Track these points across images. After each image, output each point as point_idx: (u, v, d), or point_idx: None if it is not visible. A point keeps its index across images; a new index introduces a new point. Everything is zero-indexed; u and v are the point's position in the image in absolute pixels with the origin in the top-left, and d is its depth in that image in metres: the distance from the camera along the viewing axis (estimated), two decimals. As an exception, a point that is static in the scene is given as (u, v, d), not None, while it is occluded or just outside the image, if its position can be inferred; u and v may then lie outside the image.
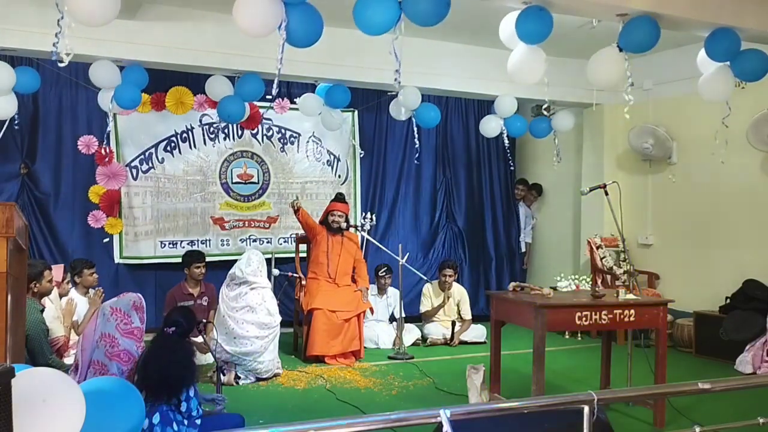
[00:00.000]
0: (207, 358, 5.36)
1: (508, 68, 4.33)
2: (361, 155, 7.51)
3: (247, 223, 7.06)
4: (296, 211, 6.13)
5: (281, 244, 7.17)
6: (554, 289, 4.62)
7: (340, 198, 6.47)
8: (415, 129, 6.82)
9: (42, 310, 4.46)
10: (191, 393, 3.24)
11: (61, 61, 3.76)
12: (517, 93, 6.91)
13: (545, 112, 5.26)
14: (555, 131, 7.18)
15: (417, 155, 7.22)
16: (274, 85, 3.71)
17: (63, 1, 3.65)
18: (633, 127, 7.06)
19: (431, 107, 6.77)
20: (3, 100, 5.26)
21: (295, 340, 6.39)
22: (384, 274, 6.83)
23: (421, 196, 8.00)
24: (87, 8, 3.65)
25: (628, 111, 4.42)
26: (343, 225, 6.26)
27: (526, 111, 7.78)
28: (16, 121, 5.67)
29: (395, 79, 3.74)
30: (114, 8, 3.71)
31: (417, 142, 6.79)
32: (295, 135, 7.22)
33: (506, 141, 7.19)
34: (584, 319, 4.04)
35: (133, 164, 6.53)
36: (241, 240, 7.01)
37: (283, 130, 7.18)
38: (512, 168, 8.17)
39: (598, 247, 7.19)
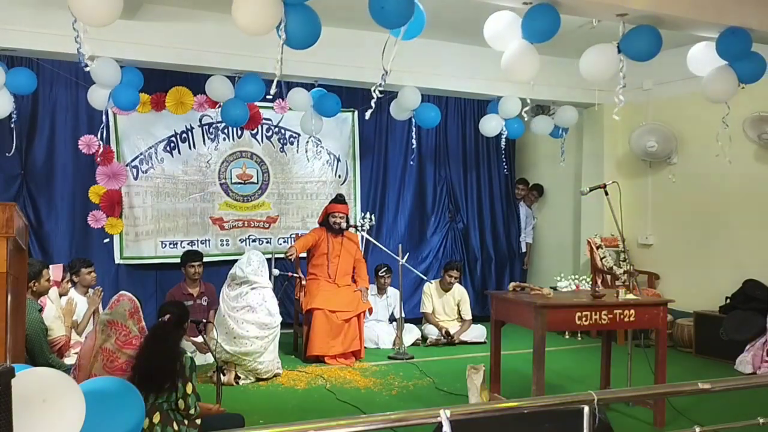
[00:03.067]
0: (207, 358, 5.37)
1: (501, 65, 4.32)
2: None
3: (246, 223, 7.05)
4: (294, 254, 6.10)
5: (281, 244, 7.16)
6: (554, 289, 4.62)
7: (339, 199, 6.47)
8: (415, 130, 6.82)
9: (40, 309, 4.46)
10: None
11: (86, 66, 3.87)
12: (518, 93, 6.91)
13: (524, 114, 5.25)
14: (535, 132, 7.25)
15: (413, 156, 7.23)
16: (273, 86, 3.71)
17: (66, 2, 3.66)
18: (634, 130, 7.05)
19: (431, 107, 6.77)
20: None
21: (295, 340, 6.40)
22: (384, 274, 6.83)
23: (422, 196, 7.98)
24: (90, 9, 3.65)
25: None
26: (344, 226, 6.27)
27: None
28: (13, 119, 5.67)
29: (382, 77, 3.79)
30: (117, 8, 3.71)
31: (414, 143, 6.80)
32: (294, 135, 7.21)
33: (503, 142, 7.21)
34: (584, 319, 4.04)
35: (133, 164, 6.52)
36: (240, 240, 7.01)
37: (282, 131, 7.18)
38: (506, 172, 8.18)
39: (598, 247, 7.19)
